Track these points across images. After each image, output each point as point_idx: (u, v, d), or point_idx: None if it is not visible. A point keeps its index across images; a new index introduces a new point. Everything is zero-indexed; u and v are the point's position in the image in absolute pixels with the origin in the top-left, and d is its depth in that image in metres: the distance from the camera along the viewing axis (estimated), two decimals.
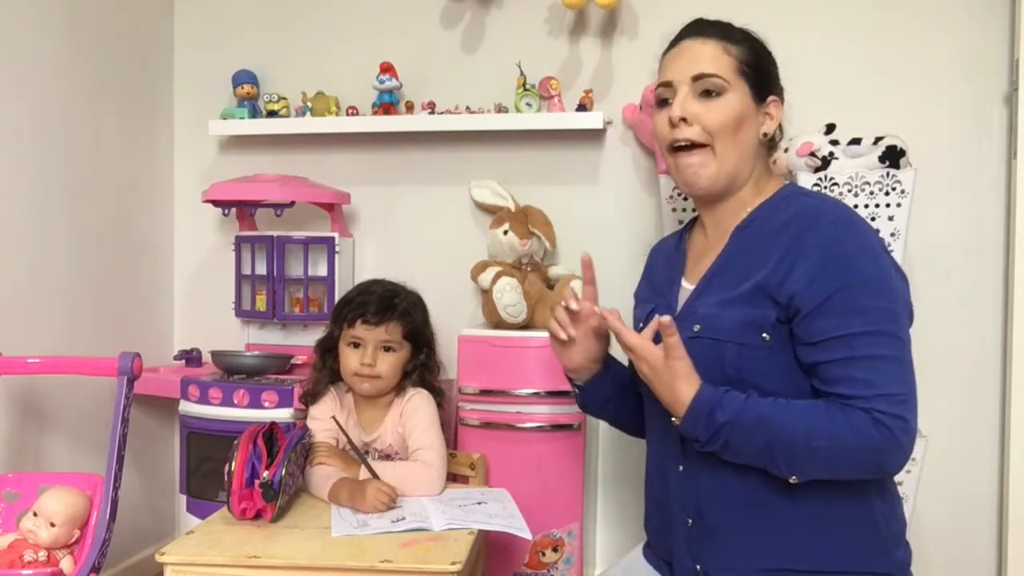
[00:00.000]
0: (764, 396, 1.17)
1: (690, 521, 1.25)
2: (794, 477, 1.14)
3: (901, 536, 1.24)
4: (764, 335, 1.17)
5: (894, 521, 1.23)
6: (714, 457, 1.19)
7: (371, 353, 1.71)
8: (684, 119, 1.24)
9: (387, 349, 1.73)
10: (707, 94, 1.24)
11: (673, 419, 1.20)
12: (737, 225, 1.27)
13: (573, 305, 1.32)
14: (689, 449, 1.23)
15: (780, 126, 1.31)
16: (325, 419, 1.76)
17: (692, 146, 1.25)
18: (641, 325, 1.36)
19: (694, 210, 1.48)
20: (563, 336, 1.33)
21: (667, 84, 1.27)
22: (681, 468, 1.26)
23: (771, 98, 1.29)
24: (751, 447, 1.15)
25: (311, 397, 1.79)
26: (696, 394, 1.16)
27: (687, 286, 1.32)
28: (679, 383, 1.17)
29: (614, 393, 1.43)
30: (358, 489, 1.54)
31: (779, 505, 1.18)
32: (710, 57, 1.25)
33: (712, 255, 1.29)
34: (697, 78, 1.24)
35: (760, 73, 1.27)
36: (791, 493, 1.17)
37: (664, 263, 1.42)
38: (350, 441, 1.65)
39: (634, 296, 1.50)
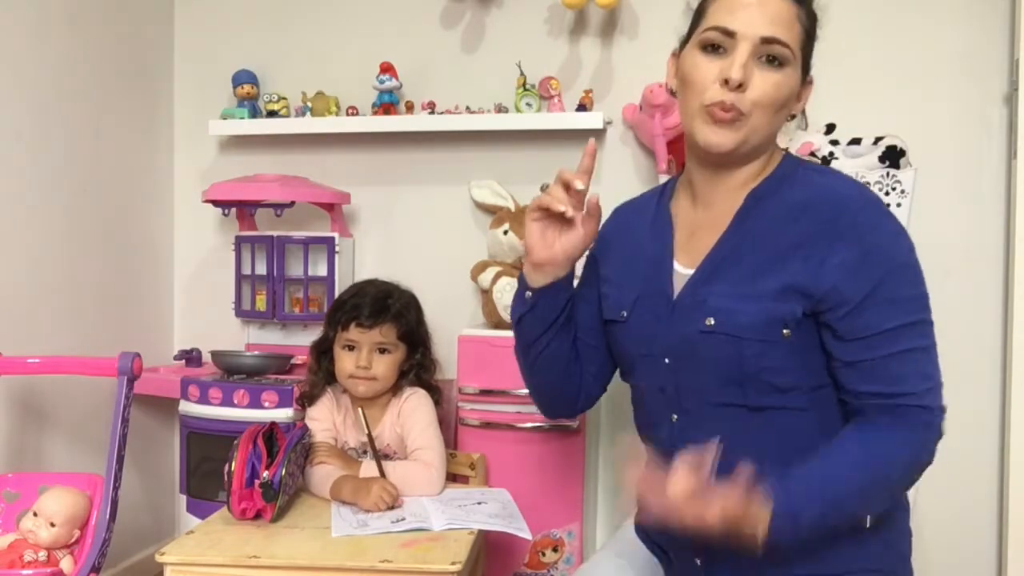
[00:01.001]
0: (779, 392, 1.09)
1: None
2: (870, 517, 1.09)
3: (904, 527, 1.21)
4: (785, 331, 1.07)
5: (899, 511, 1.20)
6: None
7: (366, 355, 1.71)
8: (742, 84, 1.07)
9: (382, 351, 1.73)
10: (769, 61, 1.09)
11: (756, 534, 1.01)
12: (743, 205, 1.15)
13: (579, 184, 1.13)
14: (683, 446, 1.14)
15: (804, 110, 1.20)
16: (324, 419, 1.76)
17: (735, 110, 1.09)
18: (624, 314, 1.21)
19: None
20: (562, 209, 1.13)
21: (729, 33, 1.09)
22: None
23: (809, 76, 1.16)
24: (834, 521, 1.06)
25: (308, 400, 1.79)
26: (771, 510, 1.00)
27: (682, 270, 1.17)
28: (757, 512, 1.00)
29: (557, 322, 1.25)
30: (362, 486, 1.55)
31: None
32: (787, 21, 1.09)
33: (709, 234, 1.16)
34: (767, 40, 1.08)
35: (811, 48, 1.14)
36: None
37: (647, 236, 1.25)
38: (370, 436, 1.64)
39: (593, 261, 1.31)
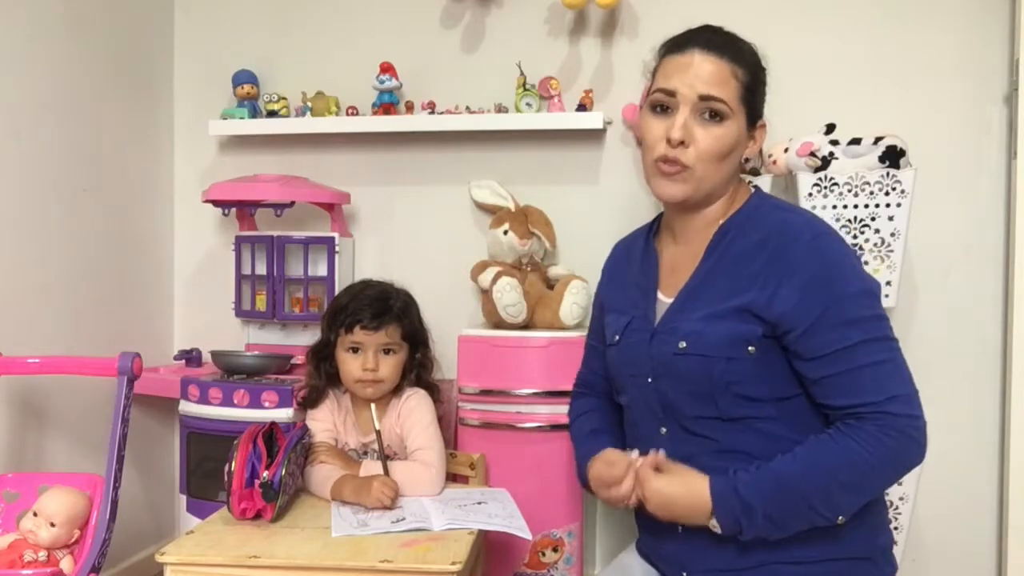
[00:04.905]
0: (749, 402, 1.19)
1: (680, 528, 1.25)
2: (841, 517, 1.14)
3: (884, 523, 1.28)
4: (750, 348, 1.18)
5: (879, 508, 1.26)
6: (697, 462, 1.21)
7: (372, 358, 1.71)
8: (683, 142, 1.22)
9: (387, 351, 1.73)
10: (709, 117, 1.22)
11: (711, 524, 1.17)
12: (711, 240, 1.27)
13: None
14: (674, 456, 1.24)
15: (760, 149, 1.31)
16: (324, 420, 1.76)
17: (679, 164, 1.23)
18: (617, 338, 1.35)
19: None
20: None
21: (670, 93, 1.23)
22: None
23: (759, 123, 1.29)
24: (789, 510, 1.14)
25: (311, 404, 1.79)
26: (710, 482, 1.17)
27: (664, 299, 1.31)
28: (694, 482, 1.18)
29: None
30: (363, 484, 1.55)
31: None
32: (720, 79, 1.21)
33: (686, 267, 1.29)
34: (704, 98, 1.21)
35: (756, 97, 1.26)
36: None
37: (637, 270, 1.40)
38: (378, 433, 1.63)
39: (599, 296, 1.50)
